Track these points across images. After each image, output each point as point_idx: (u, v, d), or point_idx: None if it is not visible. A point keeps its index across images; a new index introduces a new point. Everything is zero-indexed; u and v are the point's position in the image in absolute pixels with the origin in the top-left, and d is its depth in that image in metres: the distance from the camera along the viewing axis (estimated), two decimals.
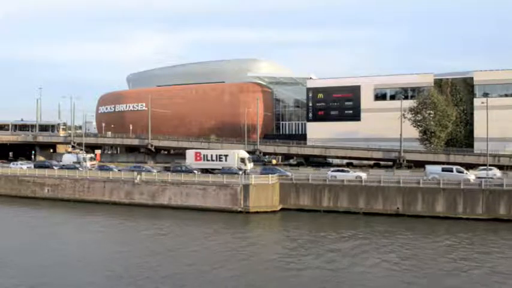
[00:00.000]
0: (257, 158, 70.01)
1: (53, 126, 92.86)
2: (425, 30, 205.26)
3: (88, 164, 63.45)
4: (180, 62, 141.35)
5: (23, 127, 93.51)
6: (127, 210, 47.48)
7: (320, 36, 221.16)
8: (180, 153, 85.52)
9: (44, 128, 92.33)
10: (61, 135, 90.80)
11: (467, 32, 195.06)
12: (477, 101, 72.03)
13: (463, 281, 24.74)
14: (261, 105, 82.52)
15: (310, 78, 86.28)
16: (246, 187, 45.09)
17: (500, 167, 54.63)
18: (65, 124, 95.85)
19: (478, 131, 67.33)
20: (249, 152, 65.80)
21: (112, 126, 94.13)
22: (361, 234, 35.88)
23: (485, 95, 72.57)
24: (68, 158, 67.86)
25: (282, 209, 45.24)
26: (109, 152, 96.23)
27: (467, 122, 73.58)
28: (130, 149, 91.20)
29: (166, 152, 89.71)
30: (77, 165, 61.93)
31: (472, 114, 73.23)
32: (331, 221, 41.01)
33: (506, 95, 73.36)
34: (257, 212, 44.11)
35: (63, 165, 62.99)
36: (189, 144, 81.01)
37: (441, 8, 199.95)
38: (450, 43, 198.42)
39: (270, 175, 47.25)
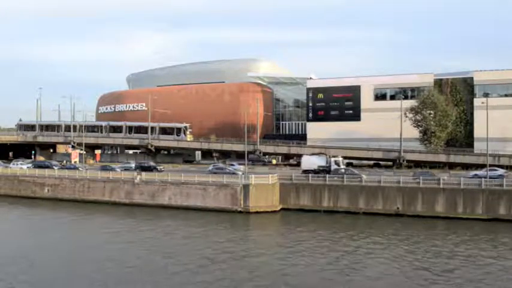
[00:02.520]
0: (257, 158, 70.02)
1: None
2: (425, 30, 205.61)
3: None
4: (180, 62, 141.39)
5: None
6: (127, 210, 47.48)
7: (320, 36, 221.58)
8: (180, 154, 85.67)
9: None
10: (188, 139, 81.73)
11: (467, 32, 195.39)
12: (477, 101, 71.94)
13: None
14: (261, 105, 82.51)
15: (310, 78, 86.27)
16: (246, 187, 45.07)
17: (500, 167, 54.57)
18: (190, 127, 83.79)
19: (478, 131, 67.27)
20: (249, 152, 65.81)
21: None
22: (363, 234, 35.84)
23: (486, 95, 72.40)
24: (312, 161, 52.81)
25: (282, 209, 45.22)
26: (109, 152, 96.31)
27: (467, 122, 73.56)
28: (130, 149, 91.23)
29: (166, 152, 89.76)
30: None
31: (472, 114, 73.18)
32: (331, 221, 40.98)
33: (506, 95, 73.29)
34: (257, 212, 44.09)
35: (305, 170, 51.05)
36: (189, 144, 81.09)
37: (441, 8, 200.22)
38: (450, 43, 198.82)
39: (270, 175, 47.17)
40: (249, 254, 30.61)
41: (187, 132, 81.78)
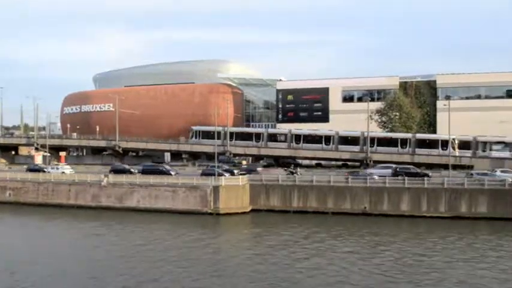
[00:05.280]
0: (227, 159, 69.82)
1: None
2: (392, 34, 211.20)
3: None
4: (149, 62, 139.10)
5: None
6: (92, 214, 46.24)
7: (290, 38, 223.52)
8: (149, 156, 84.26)
9: None
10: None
11: (432, 36, 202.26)
12: (440, 103, 75.04)
13: None
14: (231, 106, 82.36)
15: (280, 80, 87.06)
16: (216, 188, 44.90)
17: (462, 167, 56.89)
18: None
19: (441, 132, 69.89)
20: (219, 154, 65.53)
21: (77, 127, 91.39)
22: (331, 233, 36.39)
23: (448, 97, 75.45)
24: None
25: (252, 210, 45.33)
26: (74, 154, 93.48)
27: (431, 123, 76.23)
28: (97, 151, 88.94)
29: (134, 154, 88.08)
30: None
31: (435, 116, 75.96)
32: (300, 221, 41.41)
33: (467, 98, 76.59)
34: (227, 214, 44.00)
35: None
36: (158, 145, 79.90)
37: (407, 13, 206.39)
38: (415, 47, 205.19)
39: (241, 176, 47.22)
40: (214, 256, 30.38)
41: None
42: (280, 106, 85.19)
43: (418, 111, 72.18)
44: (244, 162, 71.44)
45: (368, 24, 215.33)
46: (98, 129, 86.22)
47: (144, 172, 52.42)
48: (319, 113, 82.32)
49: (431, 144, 63.65)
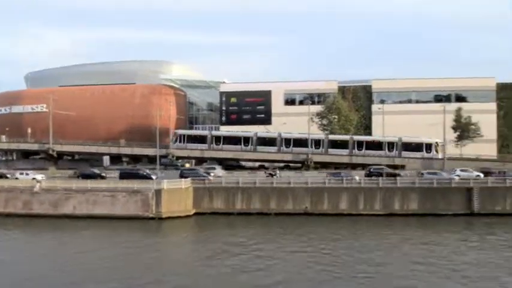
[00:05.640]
0: (169, 162, 68.62)
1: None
2: (334, 39, 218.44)
3: None
4: (86, 61, 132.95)
5: None
6: (22, 222, 43.27)
7: (234, 40, 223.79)
8: (86, 159, 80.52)
9: None
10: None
11: (368, 43, 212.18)
12: (375, 107, 79.57)
13: None
14: (174, 108, 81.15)
15: (224, 82, 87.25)
16: (158, 192, 43.96)
17: (395, 167, 60.32)
18: None
19: (375, 134, 73.87)
20: (161, 156, 64.26)
21: (7, 129, 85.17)
22: (270, 235, 36.94)
23: (382, 101, 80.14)
24: None
25: (195, 214, 44.94)
26: (3, 158, 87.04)
27: (367, 126, 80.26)
28: (29, 155, 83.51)
29: (70, 158, 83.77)
30: None
31: (370, 118, 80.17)
32: (243, 223, 41.72)
33: (400, 102, 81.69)
34: (170, 218, 43.24)
35: None
36: (97, 148, 76.69)
37: (348, 20, 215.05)
38: (355, 53, 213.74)
39: (183, 179, 46.59)
40: (155, 261, 29.75)
41: None
42: (223, 108, 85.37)
43: (355, 114, 75.65)
44: (187, 165, 70.58)
45: (311, 29, 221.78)
46: (29, 131, 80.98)
47: (122, 177, 50.11)
48: (262, 115, 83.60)
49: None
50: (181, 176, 48.98)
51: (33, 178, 50.80)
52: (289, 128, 71.32)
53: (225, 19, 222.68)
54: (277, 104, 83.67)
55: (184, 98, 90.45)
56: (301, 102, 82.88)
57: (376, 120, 77.56)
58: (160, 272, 27.16)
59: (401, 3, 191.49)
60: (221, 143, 71.27)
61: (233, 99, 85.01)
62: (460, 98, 79.77)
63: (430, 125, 68.38)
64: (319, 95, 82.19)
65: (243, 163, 72.33)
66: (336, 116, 70.22)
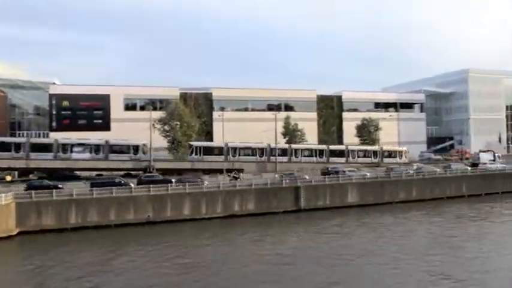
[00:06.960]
0: None
1: None
2: (178, 46, 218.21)
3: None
4: None
5: None
6: None
7: (66, 38, 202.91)
8: None
9: None
10: None
11: (213, 51, 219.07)
12: (215, 114, 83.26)
13: None
14: None
15: (54, 83, 79.00)
16: None
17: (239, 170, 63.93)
18: None
19: (216, 140, 77.23)
20: None
21: None
22: (108, 248, 35.15)
23: (222, 109, 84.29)
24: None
25: (19, 233, 39.24)
26: None
27: (208, 132, 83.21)
28: None
29: None
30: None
31: (211, 125, 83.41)
32: (78, 238, 38.40)
33: (238, 110, 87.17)
34: None
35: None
36: None
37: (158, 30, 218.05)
38: (197, 60, 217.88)
39: (3, 194, 40.23)
40: None
41: None
42: (54, 112, 77.07)
43: (197, 120, 77.44)
44: (8, 177, 61.41)
45: (152, 33, 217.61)
46: None
47: (93, 185, 45.56)
48: (100, 121, 78.55)
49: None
50: (29, 188, 43.29)
51: None
52: (130, 135, 68.70)
53: (57, 14, 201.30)
54: (116, 109, 79.71)
55: (5, 99, 78.80)
56: (142, 108, 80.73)
57: (217, 126, 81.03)
58: None
59: (241, 19, 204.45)
60: None
61: (65, 103, 77.51)
62: (288, 107, 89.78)
63: (264, 132, 75.08)
64: (160, 101, 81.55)
65: (78, 173, 66.15)
66: (178, 122, 70.70)
